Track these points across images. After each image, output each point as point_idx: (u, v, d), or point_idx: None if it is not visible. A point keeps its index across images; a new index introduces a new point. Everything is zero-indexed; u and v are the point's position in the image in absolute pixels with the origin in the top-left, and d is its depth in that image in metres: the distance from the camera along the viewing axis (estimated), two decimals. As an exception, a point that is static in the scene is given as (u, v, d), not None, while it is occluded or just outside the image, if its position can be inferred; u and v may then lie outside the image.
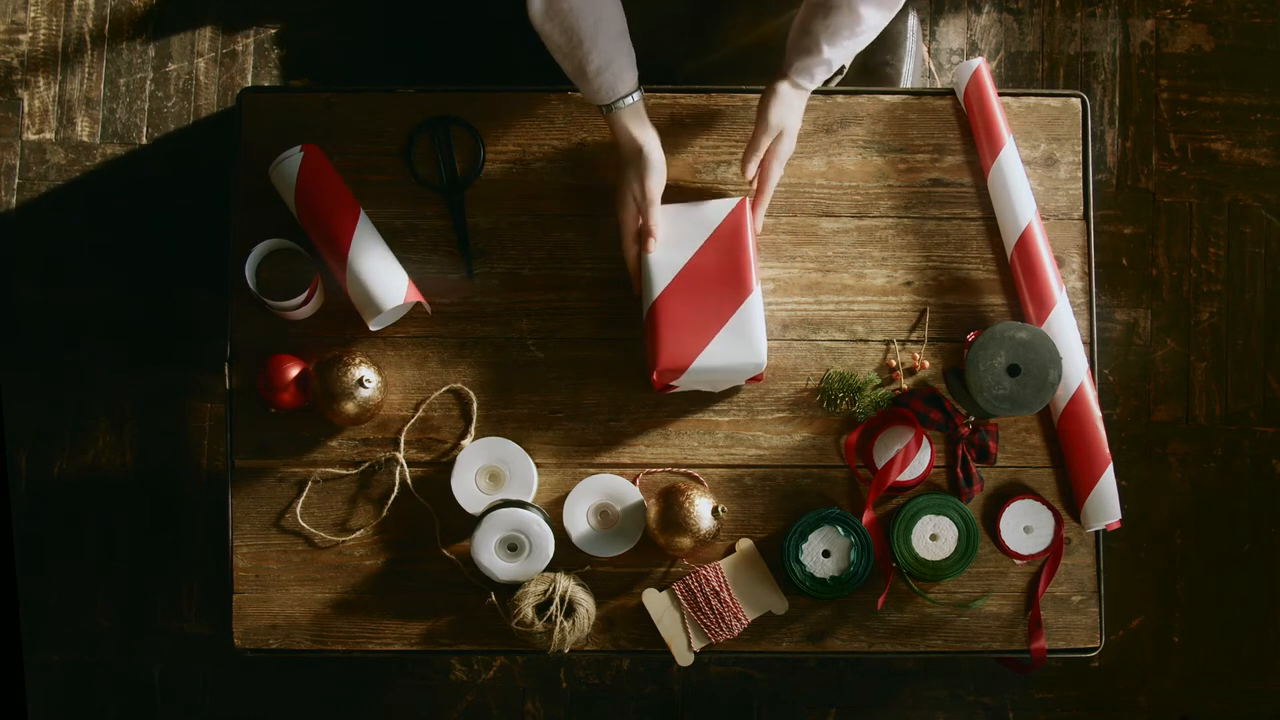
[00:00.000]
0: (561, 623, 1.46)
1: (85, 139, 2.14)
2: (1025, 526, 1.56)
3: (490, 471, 1.54)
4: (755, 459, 1.57)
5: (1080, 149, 1.61)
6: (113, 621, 2.07)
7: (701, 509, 1.48)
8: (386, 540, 1.55)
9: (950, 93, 1.61)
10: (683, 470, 1.57)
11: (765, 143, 1.49)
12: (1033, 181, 1.59)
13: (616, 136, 1.46)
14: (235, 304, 1.57)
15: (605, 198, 1.58)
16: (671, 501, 1.49)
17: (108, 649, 2.07)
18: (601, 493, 1.54)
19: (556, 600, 1.47)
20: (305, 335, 1.57)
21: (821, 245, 1.59)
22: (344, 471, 1.55)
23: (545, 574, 1.50)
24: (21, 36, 2.15)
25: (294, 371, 1.52)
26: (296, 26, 2.17)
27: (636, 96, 1.43)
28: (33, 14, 2.16)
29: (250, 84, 2.16)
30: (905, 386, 1.57)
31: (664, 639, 1.53)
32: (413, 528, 1.55)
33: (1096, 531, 1.57)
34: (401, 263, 1.54)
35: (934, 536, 1.54)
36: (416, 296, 1.52)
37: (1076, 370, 1.54)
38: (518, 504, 1.50)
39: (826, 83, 1.80)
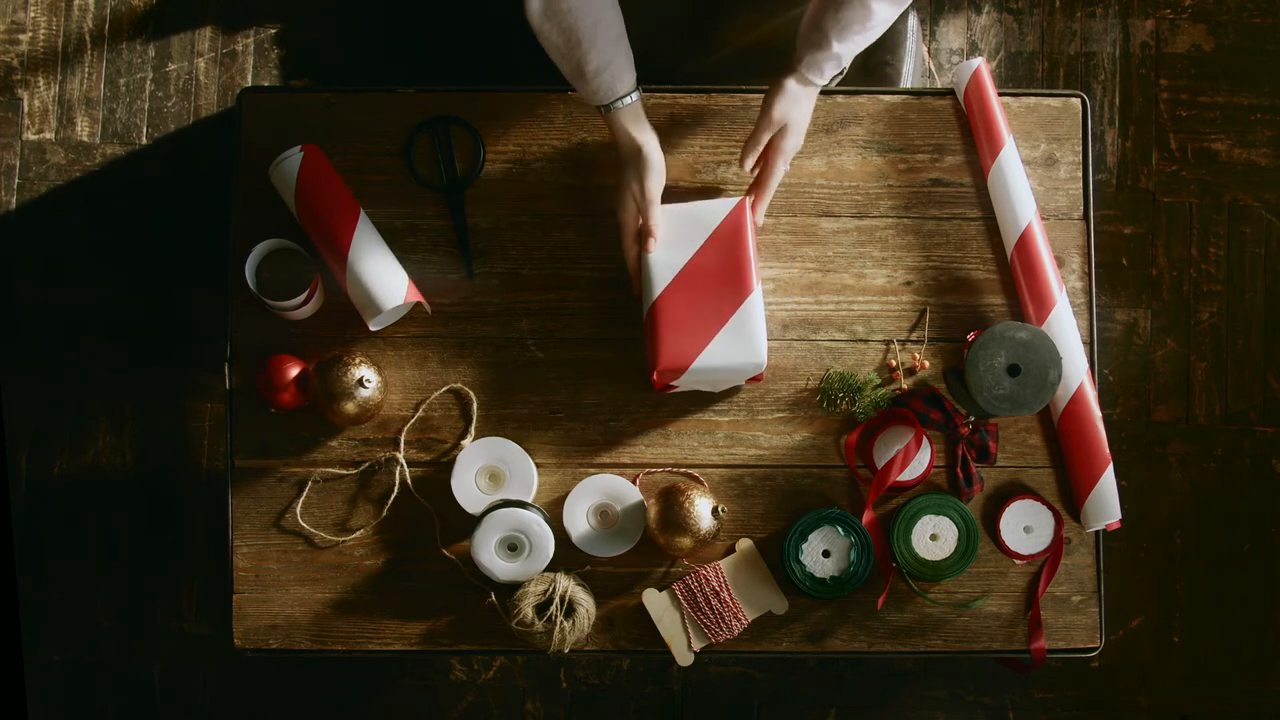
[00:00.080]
0: (561, 623, 1.46)
1: (85, 139, 2.14)
2: (1025, 526, 1.56)
3: (490, 471, 1.54)
4: (755, 459, 1.57)
5: (1080, 149, 1.61)
6: (113, 621, 2.07)
7: (701, 509, 1.48)
8: (386, 540, 1.55)
9: (950, 93, 1.61)
10: (683, 470, 1.57)
11: (764, 136, 1.48)
12: (1033, 181, 1.59)
13: (615, 137, 1.46)
14: (235, 304, 1.57)
15: (605, 198, 1.59)
16: (671, 501, 1.49)
17: (108, 649, 2.07)
18: (601, 493, 1.54)
19: (556, 600, 1.47)
20: (305, 335, 1.57)
21: (821, 245, 1.59)
22: (344, 471, 1.55)
23: (545, 574, 1.50)
24: (21, 36, 2.15)
25: (294, 371, 1.52)
26: (296, 26, 2.17)
27: (635, 97, 1.43)
28: (33, 14, 2.16)
29: (250, 84, 2.16)
30: (905, 386, 1.57)
31: (664, 639, 1.53)
32: (413, 528, 1.55)
33: (1096, 531, 1.57)
34: (401, 263, 1.54)
35: (934, 536, 1.54)
36: (416, 296, 1.52)
37: (1076, 370, 1.54)
38: (518, 504, 1.50)
39: (828, 83, 1.81)
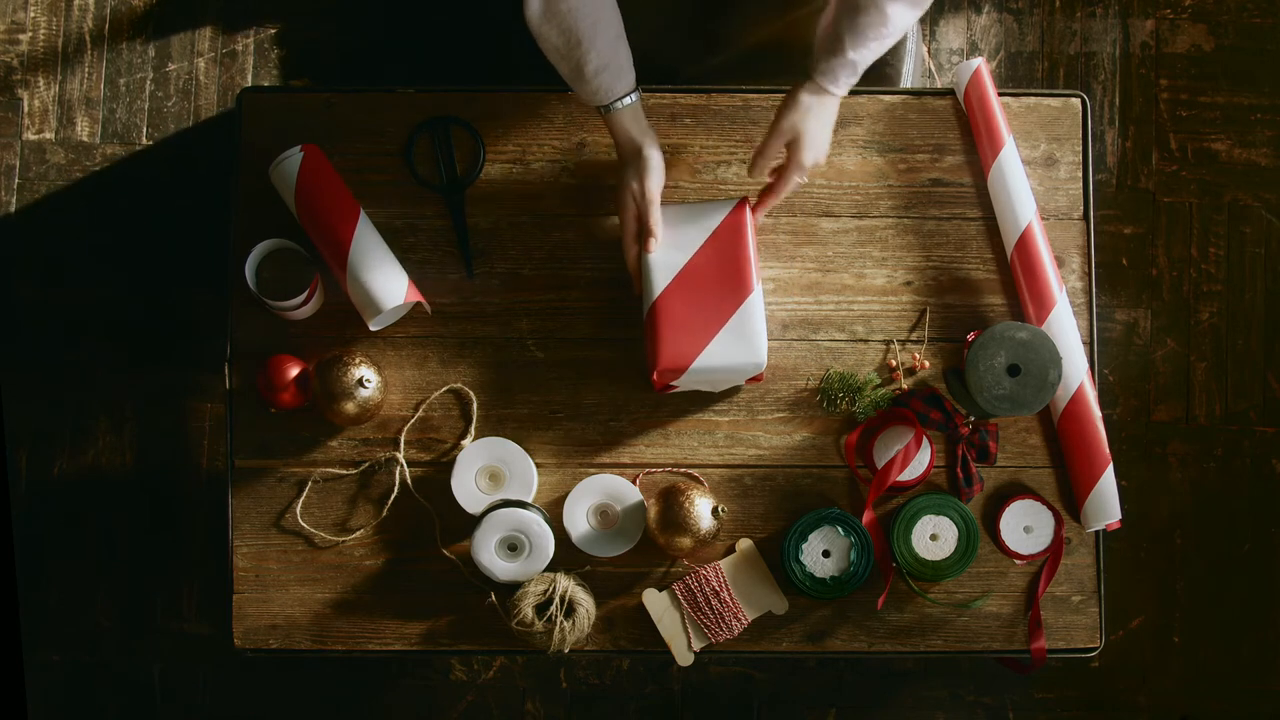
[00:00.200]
0: (561, 623, 1.46)
1: (85, 139, 2.14)
2: (1025, 526, 1.56)
3: (490, 471, 1.54)
4: (755, 459, 1.57)
5: (1080, 149, 1.61)
6: (113, 621, 2.07)
7: (701, 509, 1.48)
8: (386, 540, 1.55)
9: (950, 93, 1.61)
10: (683, 470, 1.57)
11: (774, 147, 1.47)
12: (1033, 181, 1.59)
13: (615, 137, 1.46)
14: (235, 304, 1.57)
15: (605, 198, 1.59)
16: (671, 501, 1.49)
17: (108, 649, 2.07)
18: (601, 493, 1.54)
19: (556, 600, 1.47)
20: (305, 335, 1.57)
21: (821, 245, 1.59)
22: (344, 471, 1.55)
23: (545, 574, 1.50)
24: (21, 36, 2.15)
25: (294, 371, 1.52)
26: (296, 26, 2.17)
27: (635, 97, 1.43)
28: (33, 14, 2.16)
29: (250, 84, 2.16)
30: (905, 386, 1.57)
31: (664, 639, 1.53)
32: (413, 528, 1.55)
33: (1096, 531, 1.57)
34: (401, 263, 1.54)
35: (934, 536, 1.54)
36: (416, 296, 1.52)
37: (1076, 370, 1.54)
38: (518, 504, 1.50)
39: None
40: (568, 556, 1.54)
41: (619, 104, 1.42)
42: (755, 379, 1.54)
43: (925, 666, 2.09)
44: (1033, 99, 1.62)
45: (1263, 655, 2.12)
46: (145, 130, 2.14)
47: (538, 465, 1.55)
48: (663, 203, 1.49)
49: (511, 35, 2.11)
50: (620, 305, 1.57)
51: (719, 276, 1.48)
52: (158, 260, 2.11)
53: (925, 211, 1.60)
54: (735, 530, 1.56)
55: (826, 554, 1.54)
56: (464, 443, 1.54)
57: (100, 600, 2.07)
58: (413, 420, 1.56)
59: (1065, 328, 1.55)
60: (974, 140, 1.60)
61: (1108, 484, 1.54)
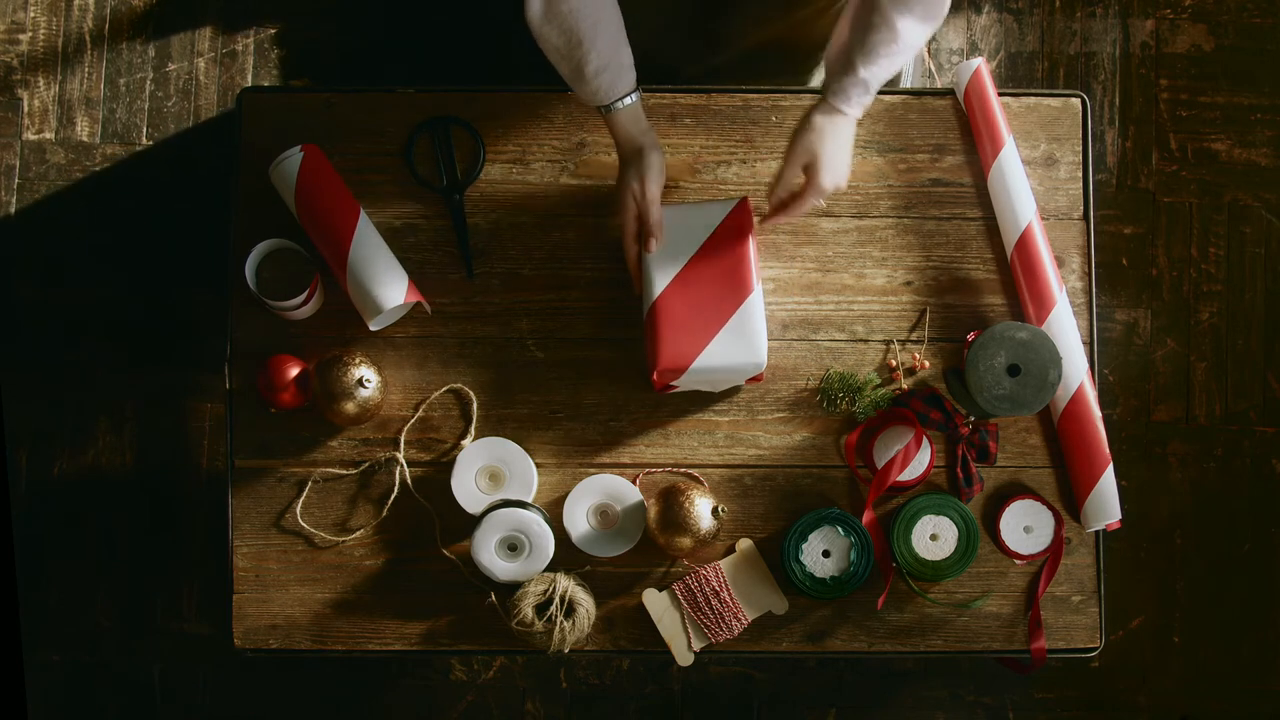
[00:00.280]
0: (561, 623, 1.46)
1: (85, 139, 2.14)
2: (1025, 526, 1.56)
3: (490, 471, 1.54)
4: (755, 459, 1.57)
5: (1080, 149, 1.61)
6: (113, 621, 2.07)
7: (701, 509, 1.48)
8: (386, 540, 1.55)
9: (950, 93, 1.61)
10: (683, 470, 1.57)
11: (790, 172, 1.44)
12: (1033, 181, 1.59)
13: (615, 137, 1.46)
14: (235, 304, 1.57)
15: (605, 198, 1.59)
16: (671, 501, 1.49)
17: (108, 649, 2.07)
18: (601, 493, 1.54)
19: (556, 600, 1.47)
20: (305, 335, 1.57)
21: (821, 245, 1.59)
22: (344, 471, 1.55)
23: (545, 574, 1.50)
24: (21, 36, 2.15)
25: (294, 371, 1.52)
26: (296, 26, 2.17)
27: (635, 97, 1.43)
28: (33, 14, 2.16)
29: (250, 84, 2.16)
30: (905, 386, 1.57)
31: (664, 639, 1.53)
32: (413, 528, 1.55)
33: (1096, 531, 1.57)
34: (401, 263, 1.54)
35: (934, 536, 1.54)
36: (416, 296, 1.52)
37: (1076, 370, 1.54)
38: (518, 504, 1.50)
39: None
40: (568, 556, 1.54)
41: (619, 104, 1.42)
42: (755, 379, 1.54)
43: (925, 666, 2.09)
44: (1033, 99, 1.62)
45: (1263, 655, 2.12)
46: (145, 130, 2.14)
47: (538, 465, 1.55)
48: (663, 203, 1.49)
49: (511, 35, 2.12)
50: (620, 305, 1.57)
51: (719, 276, 1.48)
52: (158, 260, 2.11)
53: (925, 211, 1.60)
54: (735, 530, 1.56)
55: (826, 554, 1.54)
56: (464, 443, 1.54)
57: (100, 600, 2.07)
58: (413, 420, 1.56)
59: (1065, 328, 1.54)
60: (974, 140, 1.60)
61: (1108, 484, 1.54)
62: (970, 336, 1.56)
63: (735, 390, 1.57)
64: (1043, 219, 1.59)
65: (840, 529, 1.53)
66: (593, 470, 1.56)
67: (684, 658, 1.53)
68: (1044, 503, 1.56)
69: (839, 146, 1.43)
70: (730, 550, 1.55)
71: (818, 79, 1.78)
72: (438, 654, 2.01)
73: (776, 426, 1.57)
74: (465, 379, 1.57)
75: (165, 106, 2.15)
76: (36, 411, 2.09)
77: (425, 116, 1.59)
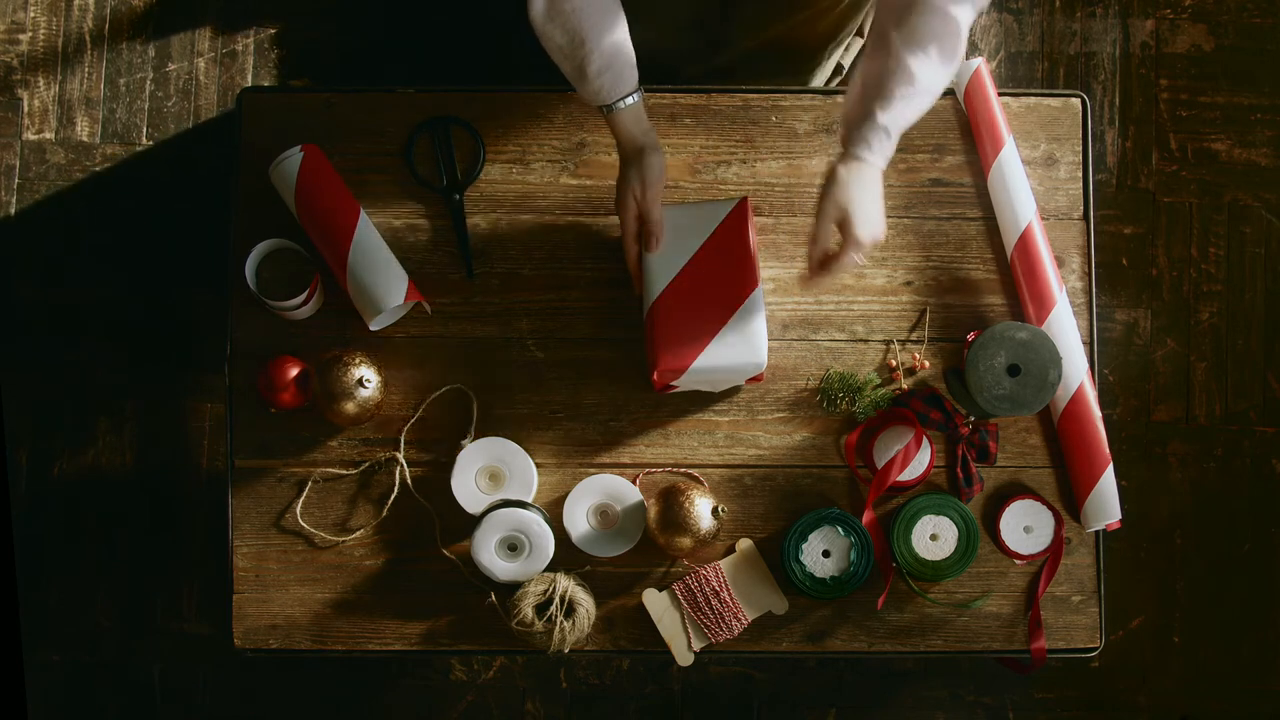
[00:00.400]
0: (561, 623, 1.46)
1: (85, 139, 2.14)
2: (1025, 526, 1.56)
3: (490, 471, 1.54)
4: (755, 459, 1.57)
5: (1080, 149, 1.61)
6: (113, 621, 2.07)
7: (701, 509, 1.48)
8: (386, 540, 1.55)
9: (950, 93, 1.61)
10: (683, 470, 1.57)
11: (824, 230, 1.38)
12: (1033, 181, 1.59)
13: (617, 137, 1.46)
14: (235, 304, 1.57)
15: (605, 198, 1.59)
16: (671, 501, 1.49)
17: (108, 649, 2.07)
18: (601, 493, 1.54)
19: (556, 600, 1.47)
20: (305, 335, 1.57)
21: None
22: (344, 471, 1.55)
23: (545, 574, 1.50)
24: (21, 36, 2.15)
25: (294, 371, 1.52)
26: (296, 26, 2.17)
27: (637, 97, 1.43)
28: (33, 14, 2.16)
29: (250, 84, 2.16)
30: (905, 386, 1.57)
31: (664, 639, 1.53)
32: (413, 528, 1.55)
33: (1096, 531, 1.57)
34: (401, 263, 1.54)
35: (934, 536, 1.54)
36: (416, 296, 1.52)
37: (1076, 370, 1.54)
38: (518, 504, 1.49)
39: (827, 82, 1.81)
40: (568, 556, 1.54)
41: (621, 104, 1.42)
42: (755, 379, 1.54)
43: (925, 666, 2.09)
44: (1033, 99, 1.62)
45: (1263, 655, 2.12)
46: (145, 130, 2.14)
47: (538, 465, 1.55)
48: (663, 203, 1.49)
49: (511, 35, 2.12)
50: (620, 305, 1.57)
51: (719, 276, 1.48)
52: (158, 260, 2.11)
53: (925, 211, 1.60)
54: (735, 530, 1.56)
55: (826, 554, 1.54)
56: (464, 443, 1.54)
57: (100, 600, 2.07)
58: (413, 420, 1.56)
59: (1065, 328, 1.54)
60: (974, 140, 1.60)
61: (1108, 484, 1.54)
62: (970, 336, 1.56)
63: (735, 390, 1.57)
64: (1043, 219, 1.59)
65: (840, 529, 1.53)
66: (593, 470, 1.56)
67: (684, 658, 1.53)
68: (1044, 503, 1.56)
69: (868, 196, 1.37)
70: (730, 550, 1.55)
71: (818, 79, 1.78)
72: (438, 654, 2.01)
73: (776, 426, 1.57)
74: (465, 379, 1.57)
75: (165, 106, 2.15)
76: (36, 411, 2.09)
77: (425, 116, 1.59)
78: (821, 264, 1.40)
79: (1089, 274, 1.60)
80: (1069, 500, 1.57)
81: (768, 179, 1.59)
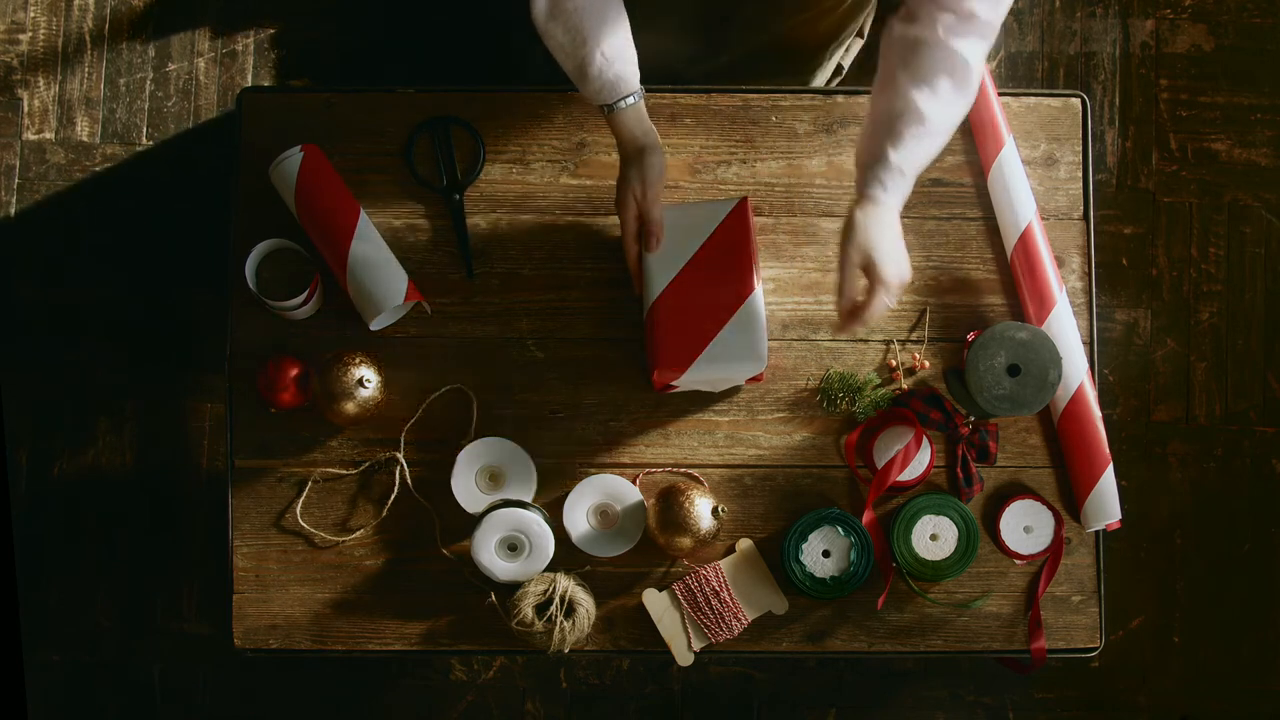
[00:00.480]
0: (561, 623, 1.46)
1: (85, 139, 2.14)
2: (1025, 526, 1.56)
3: (490, 471, 1.54)
4: (755, 459, 1.57)
5: (1080, 149, 1.61)
6: (113, 621, 2.07)
7: (701, 509, 1.48)
8: (386, 540, 1.55)
9: (950, 93, 1.61)
10: (683, 470, 1.57)
11: (849, 277, 1.35)
12: (1033, 181, 1.59)
13: (617, 136, 1.46)
14: (235, 304, 1.57)
15: (605, 198, 1.59)
16: (671, 501, 1.49)
17: (108, 649, 2.07)
18: (601, 493, 1.54)
19: (556, 600, 1.47)
20: (305, 335, 1.57)
21: (821, 245, 1.59)
22: (344, 471, 1.55)
23: (545, 574, 1.50)
24: (21, 36, 2.15)
25: (294, 371, 1.52)
26: (296, 26, 2.17)
27: (638, 96, 1.43)
28: (33, 14, 2.16)
29: (250, 84, 2.16)
30: (905, 386, 1.57)
31: (664, 639, 1.53)
32: (413, 528, 1.55)
33: (1096, 531, 1.57)
34: (401, 263, 1.54)
35: (934, 536, 1.54)
36: (416, 296, 1.52)
37: (1076, 370, 1.54)
38: (518, 504, 1.49)
39: (827, 82, 1.81)
40: (568, 556, 1.54)
41: (622, 104, 1.42)
42: (755, 379, 1.54)
43: (925, 666, 2.09)
44: (1033, 99, 1.62)
45: (1263, 655, 2.12)
46: (145, 130, 2.14)
47: (538, 465, 1.55)
48: (663, 203, 1.48)
49: (511, 35, 2.12)
50: (620, 305, 1.57)
51: (719, 276, 1.48)
52: (158, 260, 2.11)
53: (925, 211, 1.60)
54: (735, 530, 1.56)
55: (826, 554, 1.54)
56: (464, 443, 1.54)
57: (100, 600, 2.07)
58: (413, 420, 1.56)
59: (1065, 328, 1.54)
60: (974, 140, 1.60)
61: (1108, 484, 1.54)
62: (970, 336, 1.56)
63: (735, 390, 1.57)
64: (1043, 219, 1.59)
65: (840, 529, 1.53)
66: (593, 470, 1.56)
67: (684, 658, 1.53)
68: (1044, 503, 1.56)
69: (888, 236, 1.35)
70: (730, 550, 1.55)
71: (819, 80, 1.78)
72: (438, 654, 2.01)
73: (776, 426, 1.57)
74: (465, 379, 1.57)
75: (165, 106, 2.15)
76: (36, 411, 2.09)
77: (425, 116, 1.59)
78: (851, 313, 1.36)
79: (1089, 274, 1.60)
80: (1069, 500, 1.57)
81: (768, 179, 1.59)
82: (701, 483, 1.56)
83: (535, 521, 1.48)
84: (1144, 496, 2.12)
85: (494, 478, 1.54)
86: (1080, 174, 1.61)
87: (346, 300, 1.53)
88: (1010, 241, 1.57)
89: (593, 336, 1.58)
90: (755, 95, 1.60)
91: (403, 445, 1.55)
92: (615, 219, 1.53)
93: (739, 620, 1.53)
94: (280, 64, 2.17)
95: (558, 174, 1.59)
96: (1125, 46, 2.19)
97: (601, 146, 1.59)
